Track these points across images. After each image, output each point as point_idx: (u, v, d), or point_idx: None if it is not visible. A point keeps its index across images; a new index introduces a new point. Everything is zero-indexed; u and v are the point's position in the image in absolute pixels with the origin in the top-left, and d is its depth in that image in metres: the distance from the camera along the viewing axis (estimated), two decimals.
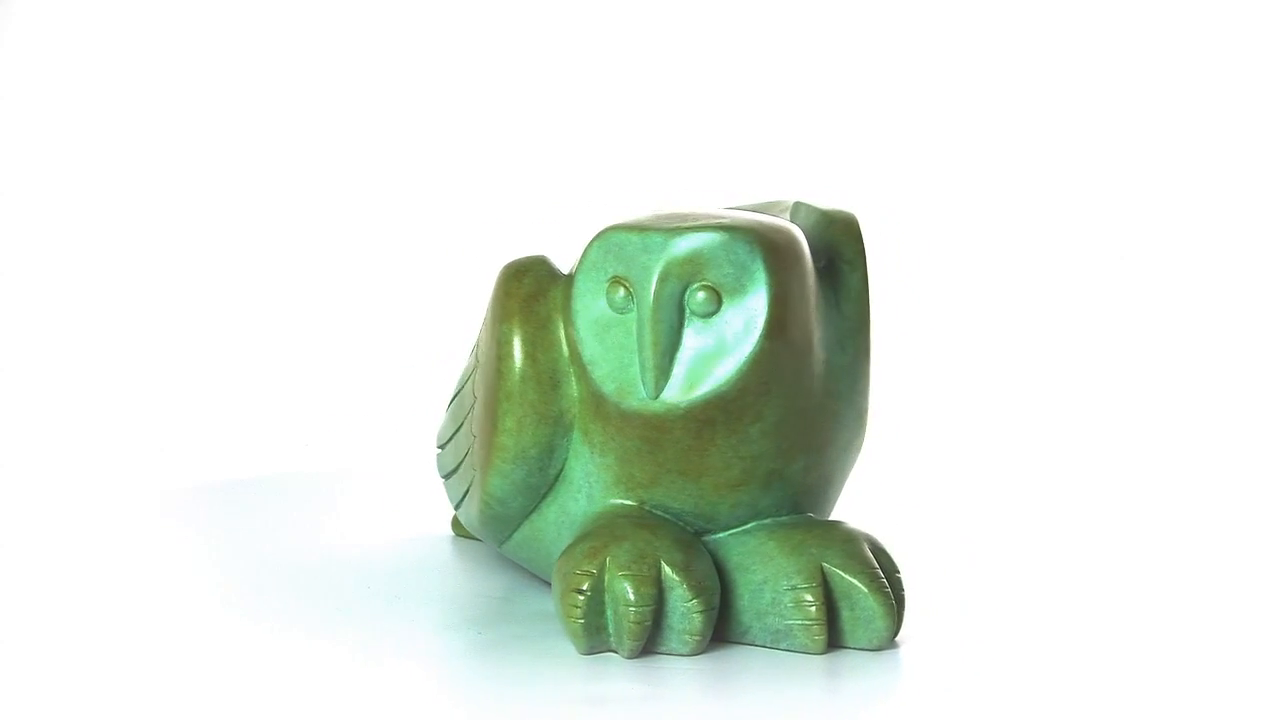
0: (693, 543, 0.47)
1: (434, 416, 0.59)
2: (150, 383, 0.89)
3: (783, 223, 0.47)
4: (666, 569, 0.46)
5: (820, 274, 0.48)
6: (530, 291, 0.49)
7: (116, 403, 0.87)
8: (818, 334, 0.47)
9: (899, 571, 0.47)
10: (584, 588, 0.46)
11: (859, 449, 0.50)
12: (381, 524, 0.66)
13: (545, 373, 0.49)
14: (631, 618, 0.45)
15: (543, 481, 0.50)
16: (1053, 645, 0.48)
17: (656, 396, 0.46)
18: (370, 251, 0.95)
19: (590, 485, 0.49)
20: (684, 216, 0.47)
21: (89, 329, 0.92)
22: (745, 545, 0.48)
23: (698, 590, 0.46)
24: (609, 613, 0.46)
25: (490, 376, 0.50)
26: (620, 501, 0.48)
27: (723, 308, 0.46)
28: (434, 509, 0.63)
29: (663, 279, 0.46)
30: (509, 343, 0.49)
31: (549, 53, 0.98)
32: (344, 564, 0.58)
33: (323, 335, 0.93)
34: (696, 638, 0.46)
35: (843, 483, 0.51)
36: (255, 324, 0.94)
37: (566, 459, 0.49)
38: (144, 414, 0.86)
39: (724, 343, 0.46)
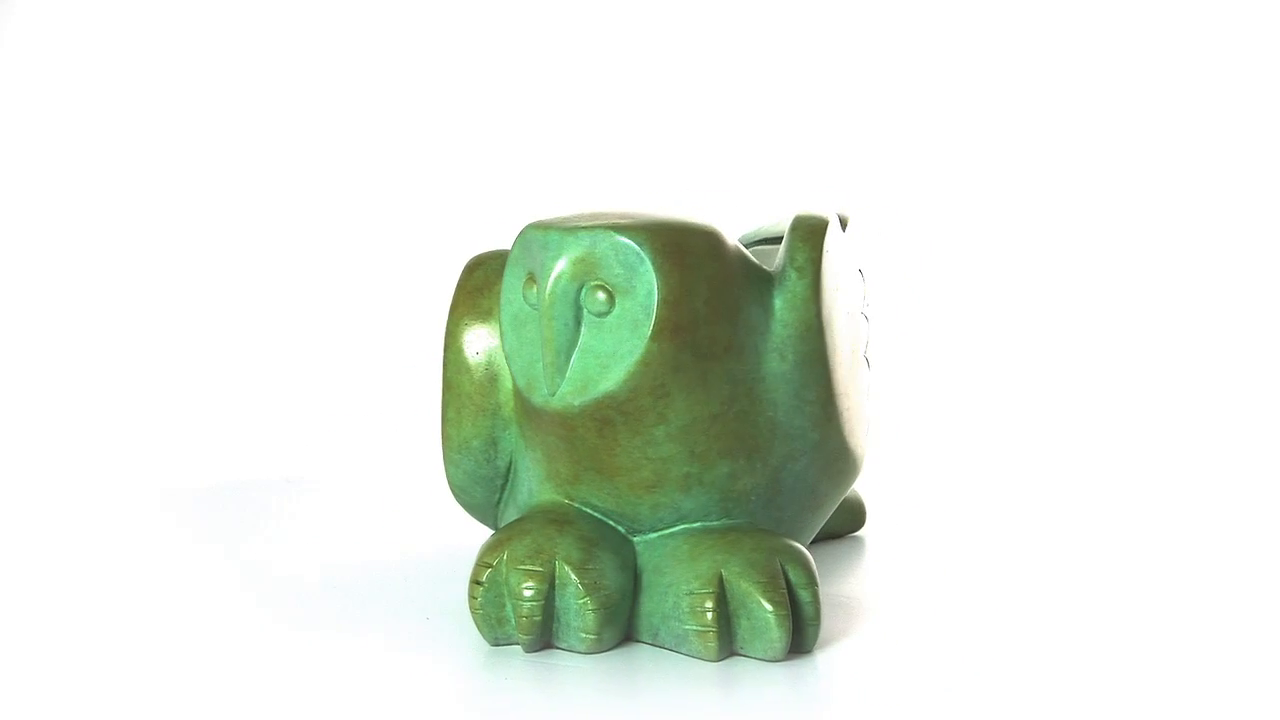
0: (599, 541, 0.47)
1: (433, 416, 0.59)
2: (150, 383, 0.90)
3: (698, 225, 0.46)
4: (562, 566, 0.46)
5: (767, 278, 0.47)
6: (478, 285, 0.50)
7: (116, 403, 0.87)
8: (741, 339, 0.46)
9: (814, 586, 0.46)
10: (482, 579, 0.47)
11: (836, 460, 0.49)
12: (381, 524, 0.66)
13: (483, 365, 0.50)
14: (521, 611, 0.46)
15: (493, 473, 0.51)
16: (987, 655, 0.47)
17: (553, 394, 0.46)
18: (371, 253, 0.96)
19: (530, 479, 0.50)
20: (592, 215, 0.46)
21: (89, 329, 0.93)
22: (664, 548, 0.48)
23: (591, 588, 0.46)
24: (508, 606, 0.47)
25: (441, 368, 0.51)
26: (551, 497, 0.49)
27: (615, 308, 0.45)
28: (434, 509, 0.64)
29: (558, 277, 0.46)
30: (451, 334, 0.50)
31: (559, 56, 0.99)
32: (344, 564, 0.58)
33: (323, 335, 0.94)
34: (591, 636, 0.46)
35: (815, 494, 0.49)
36: (255, 324, 0.94)
37: (513, 452, 0.50)
38: (143, 414, 0.86)
39: (616, 343, 0.45)
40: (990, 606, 0.52)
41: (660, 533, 0.48)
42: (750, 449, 0.47)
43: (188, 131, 0.96)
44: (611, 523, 0.48)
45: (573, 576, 0.46)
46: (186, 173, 0.96)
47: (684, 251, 0.45)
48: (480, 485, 0.51)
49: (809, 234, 0.47)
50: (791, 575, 0.46)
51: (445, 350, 0.50)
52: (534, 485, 0.49)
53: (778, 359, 0.47)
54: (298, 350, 0.92)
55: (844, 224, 0.50)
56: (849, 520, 0.63)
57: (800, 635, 0.46)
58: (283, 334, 0.93)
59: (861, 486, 0.64)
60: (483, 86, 0.98)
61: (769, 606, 0.45)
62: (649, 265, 0.45)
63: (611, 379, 0.45)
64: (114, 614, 0.52)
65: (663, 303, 0.45)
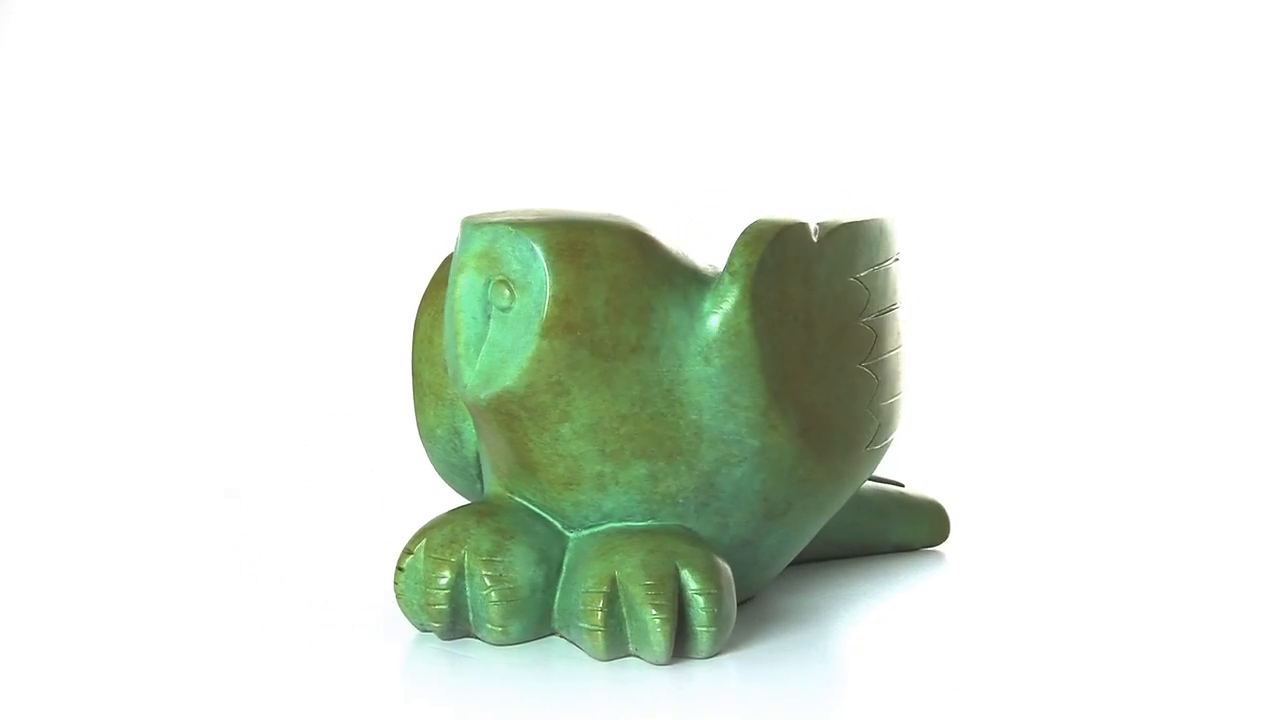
0: (515, 534, 0.48)
1: None
2: (150, 383, 0.90)
3: (608, 223, 0.46)
4: (471, 556, 0.47)
5: (704, 280, 0.47)
6: (442, 277, 0.52)
7: (116, 403, 0.87)
8: (656, 340, 0.46)
9: (713, 592, 0.45)
10: (403, 566, 0.48)
11: (794, 470, 0.48)
12: (381, 525, 0.64)
13: (440, 355, 0.51)
14: (426, 599, 0.47)
15: (463, 462, 0.52)
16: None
17: (465, 386, 0.47)
18: (372, 255, 0.94)
19: (484, 471, 0.51)
20: (507, 212, 0.47)
21: (89, 330, 0.92)
22: (585, 546, 0.48)
23: (496, 581, 0.47)
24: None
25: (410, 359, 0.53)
26: (495, 489, 0.50)
27: (515, 303, 0.46)
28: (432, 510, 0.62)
29: (463, 270, 0.46)
30: (416, 324, 0.52)
31: (569, 59, 0.98)
32: (342, 565, 0.58)
33: (322, 336, 0.93)
34: (496, 628, 0.47)
35: (769, 502, 0.48)
36: (255, 325, 0.94)
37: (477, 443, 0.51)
38: (144, 414, 0.86)
39: (515, 338, 0.46)
40: (1052, 665, 0.47)
41: (590, 530, 0.48)
42: (671, 451, 0.47)
43: (189, 133, 0.97)
44: (548, 518, 0.49)
45: (479, 568, 0.47)
46: (188, 174, 0.96)
47: (580, 250, 0.45)
48: (457, 474, 0.53)
49: (752, 239, 0.46)
50: (688, 579, 0.46)
51: (412, 340, 0.52)
52: (487, 477, 0.51)
53: (702, 362, 0.46)
54: (297, 351, 0.92)
55: (828, 231, 0.48)
56: (925, 532, 0.59)
57: (692, 641, 0.46)
58: (282, 334, 0.93)
59: (949, 497, 0.61)
60: (478, 85, 0.98)
61: (650, 610, 0.45)
62: (541, 262, 0.45)
63: (509, 374, 0.46)
64: (113, 614, 0.52)
65: (553, 300, 0.45)
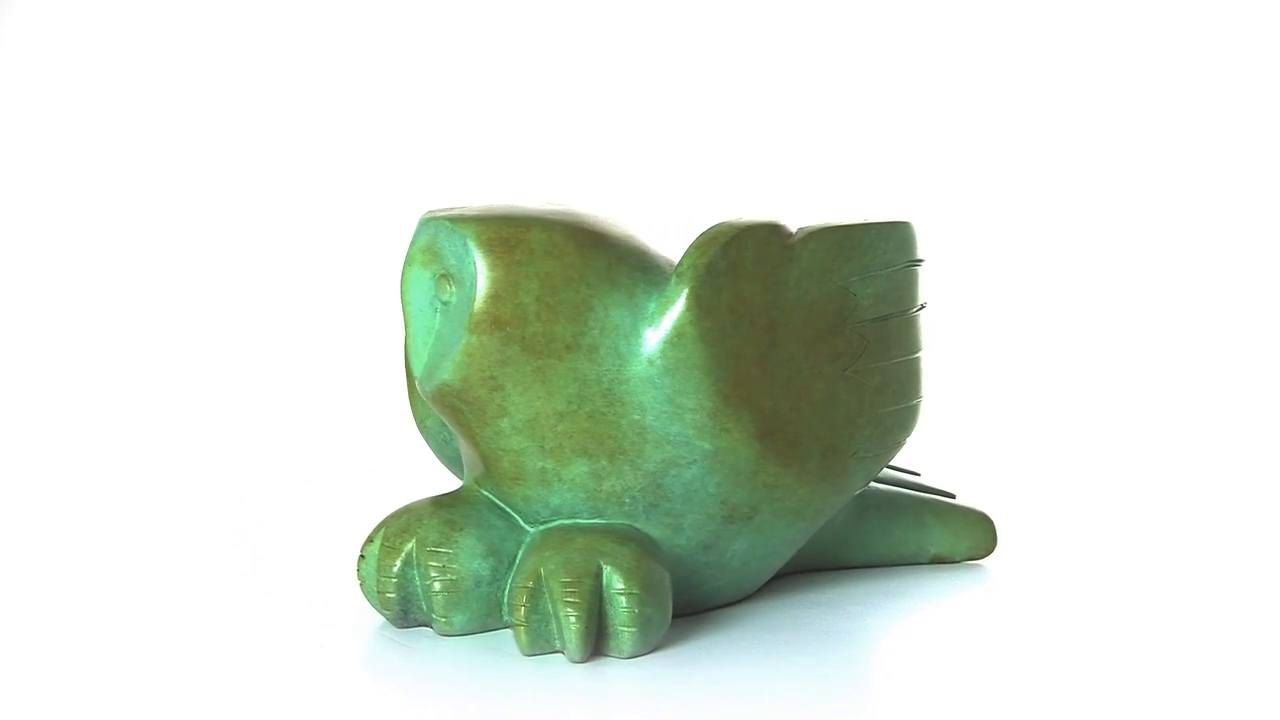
0: (466, 525, 0.48)
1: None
2: (149, 384, 0.90)
3: (547, 219, 0.46)
4: (418, 546, 0.48)
5: (657, 281, 0.46)
6: None
7: (115, 404, 0.88)
8: (594, 339, 0.45)
9: (636, 592, 0.45)
10: (364, 553, 0.49)
11: (756, 475, 0.47)
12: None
13: None
14: (378, 587, 0.48)
15: (454, 453, 0.52)
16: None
17: (416, 379, 0.47)
18: (373, 255, 0.92)
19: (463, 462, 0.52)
20: (457, 207, 0.47)
21: (88, 330, 0.93)
22: (531, 541, 0.48)
23: (439, 571, 0.47)
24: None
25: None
26: (468, 481, 0.50)
27: (454, 297, 0.46)
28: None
29: (410, 263, 0.47)
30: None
31: (578, 61, 0.97)
32: (340, 566, 0.58)
33: (324, 337, 0.93)
34: (441, 619, 0.47)
35: (729, 505, 0.47)
36: (255, 325, 0.94)
37: None
38: (142, 415, 0.87)
39: (452, 332, 0.46)
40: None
41: (543, 525, 0.48)
42: (612, 451, 0.46)
43: (186, 134, 0.97)
44: (509, 511, 0.49)
45: (424, 558, 0.48)
46: (189, 175, 0.97)
47: (513, 245, 0.45)
48: (453, 465, 0.53)
49: (705, 242, 0.46)
50: (611, 579, 0.45)
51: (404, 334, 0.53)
52: (466, 469, 0.51)
53: (645, 363, 0.45)
54: (297, 351, 0.92)
55: (804, 236, 0.47)
56: (967, 544, 0.56)
57: (614, 640, 0.46)
58: (283, 335, 0.93)
59: (1000, 507, 0.58)
60: (479, 85, 0.97)
61: (564, 608, 0.45)
62: (472, 256, 0.45)
63: (446, 367, 0.46)
64: (111, 615, 0.52)
65: (481, 295, 0.45)
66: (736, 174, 0.96)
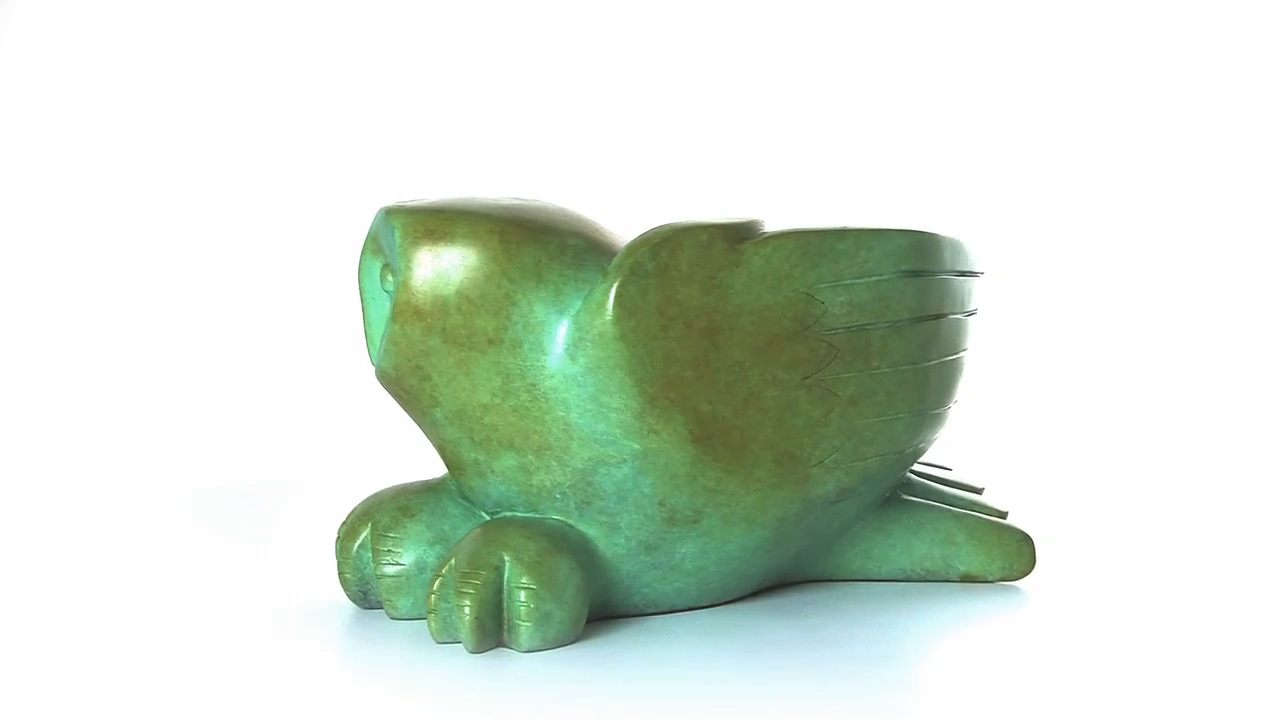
0: (417, 513, 0.49)
1: None
2: (150, 384, 0.90)
3: (477, 212, 0.46)
4: (370, 530, 0.49)
5: (589, 279, 0.46)
6: None
7: (116, 404, 0.88)
8: (517, 334, 0.45)
9: (534, 587, 0.45)
10: (340, 535, 0.50)
11: (695, 479, 0.46)
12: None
13: None
14: (340, 569, 0.50)
15: None
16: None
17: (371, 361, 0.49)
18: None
19: None
20: (413, 200, 0.48)
21: (89, 331, 0.93)
22: (469, 531, 0.48)
23: (385, 555, 0.48)
24: None
25: None
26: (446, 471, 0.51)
27: (393, 285, 0.47)
28: None
29: (363, 252, 0.48)
30: None
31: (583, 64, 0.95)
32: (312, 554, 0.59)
33: (324, 337, 0.91)
34: (388, 602, 0.48)
35: (669, 507, 0.46)
36: (255, 325, 0.93)
37: None
38: (143, 416, 0.87)
39: (387, 319, 0.47)
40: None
41: (493, 516, 0.49)
42: (539, 446, 0.46)
43: (184, 135, 0.96)
44: (470, 501, 0.49)
45: (373, 542, 0.49)
46: (188, 176, 0.96)
47: (437, 238, 0.46)
48: None
49: (638, 244, 0.45)
50: (511, 572, 0.45)
51: None
52: None
53: (568, 360, 0.45)
54: (297, 351, 0.92)
55: (758, 241, 0.46)
56: (1000, 564, 0.53)
57: (513, 633, 0.46)
58: (283, 335, 0.93)
59: (1044, 526, 0.56)
60: (482, 84, 0.96)
61: (458, 597, 0.45)
62: (398, 247, 0.46)
63: (378, 354, 0.47)
64: (111, 615, 0.51)
65: (403, 285, 0.46)
66: (779, 176, 0.95)
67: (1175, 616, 0.48)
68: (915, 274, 0.48)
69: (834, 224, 0.47)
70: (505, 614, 0.45)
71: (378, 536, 0.48)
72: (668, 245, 0.44)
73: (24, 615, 0.51)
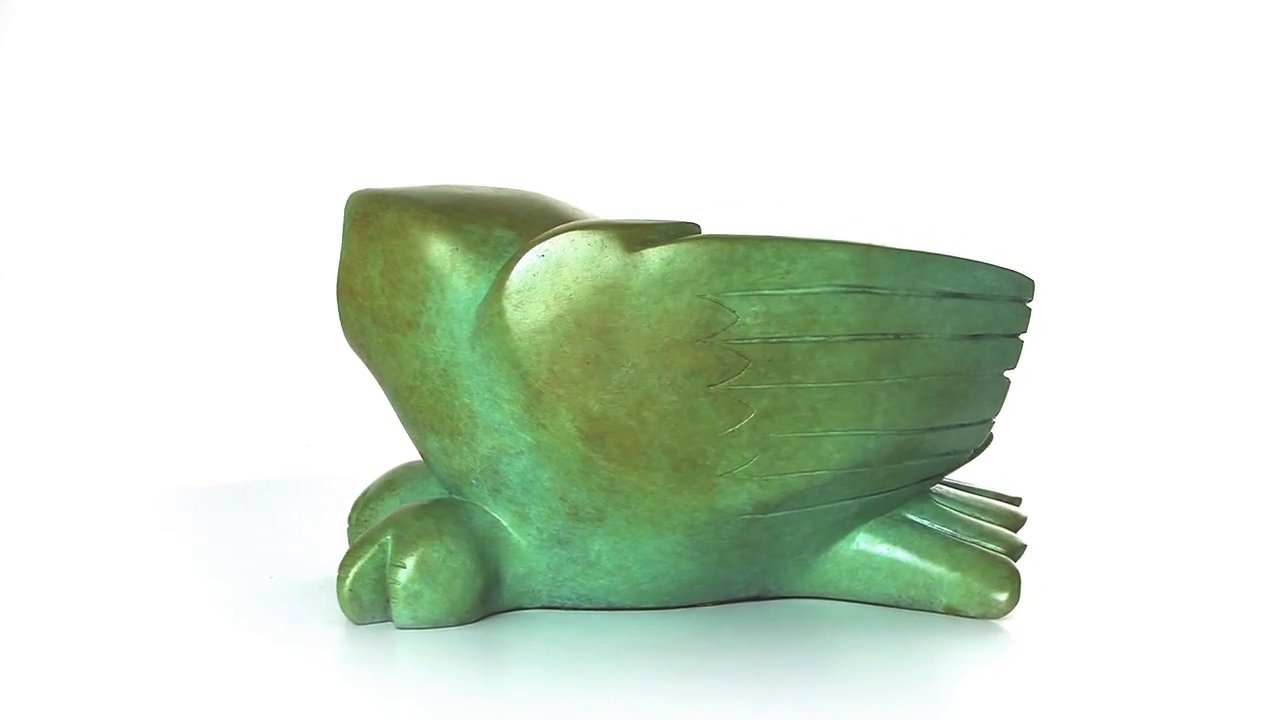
0: (398, 487, 0.53)
1: None
2: (149, 385, 0.89)
3: (408, 199, 0.48)
4: (354, 513, 0.54)
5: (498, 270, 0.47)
6: None
7: (115, 405, 0.87)
8: (432, 319, 0.47)
9: (401, 569, 0.47)
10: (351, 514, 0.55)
11: (590, 475, 0.47)
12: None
13: None
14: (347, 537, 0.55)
15: None
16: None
17: None
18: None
19: None
20: (386, 186, 0.50)
21: (88, 331, 0.92)
22: None
23: (359, 524, 0.53)
24: None
25: None
26: None
27: None
28: None
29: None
30: None
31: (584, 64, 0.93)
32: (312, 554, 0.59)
33: (324, 337, 0.89)
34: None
35: (570, 503, 0.47)
36: (255, 326, 0.92)
37: None
38: (142, 416, 0.86)
39: None
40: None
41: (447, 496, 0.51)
42: (452, 430, 0.48)
43: (184, 135, 0.95)
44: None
45: (353, 513, 0.54)
46: (188, 176, 0.95)
47: (368, 221, 0.48)
48: None
49: (536, 239, 0.46)
50: (391, 549, 0.48)
51: None
52: None
53: (469, 348, 0.47)
54: (297, 351, 0.90)
55: (662, 246, 0.45)
56: (977, 599, 0.50)
57: (390, 608, 0.48)
58: (283, 335, 0.92)
59: (1035, 561, 0.52)
60: (483, 83, 0.95)
61: (340, 569, 0.48)
62: (342, 229, 0.49)
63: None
64: (110, 616, 0.51)
65: (340, 264, 0.49)
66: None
67: (1162, 667, 0.44)
68: (860, 290, 0.46)
69: (756, 233, 0.46)
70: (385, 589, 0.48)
71: (361, 506, 0.53)
72: (561, 244, 0.45)
73: (21, 617, 0.51)
